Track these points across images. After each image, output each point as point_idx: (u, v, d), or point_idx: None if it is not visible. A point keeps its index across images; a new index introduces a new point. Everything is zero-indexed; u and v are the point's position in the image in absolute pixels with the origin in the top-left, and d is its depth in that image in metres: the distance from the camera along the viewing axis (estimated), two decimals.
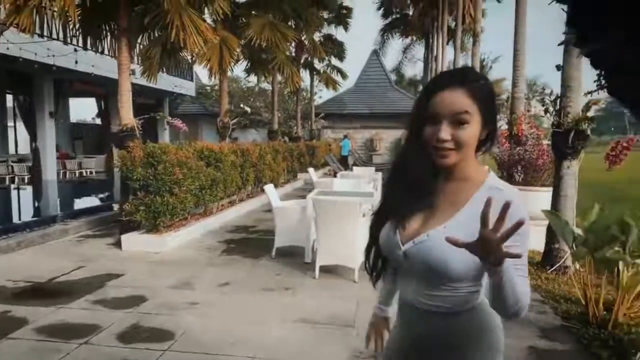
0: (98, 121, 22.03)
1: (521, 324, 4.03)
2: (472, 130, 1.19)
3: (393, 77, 34.23)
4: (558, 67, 5.65)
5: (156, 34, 8.29)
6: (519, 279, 1.10)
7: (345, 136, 21.13)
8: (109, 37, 8.94)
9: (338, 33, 24.51)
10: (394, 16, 23.12)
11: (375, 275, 1.49)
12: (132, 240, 6.60)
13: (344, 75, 20.55)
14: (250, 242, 7.17)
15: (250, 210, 9.95)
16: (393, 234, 1.30)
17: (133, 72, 7.52)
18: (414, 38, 24.80)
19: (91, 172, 17.44)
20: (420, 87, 39.77)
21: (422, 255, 1.22)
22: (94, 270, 5.57)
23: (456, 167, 1.24)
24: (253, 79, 18.31)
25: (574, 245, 3.91)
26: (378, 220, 1.39)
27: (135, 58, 11.25)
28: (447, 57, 18.64)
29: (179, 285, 5.03)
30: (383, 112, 27.17)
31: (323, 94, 29.41)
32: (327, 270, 5.32)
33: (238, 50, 10.22)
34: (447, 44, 18.18)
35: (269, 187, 6.39)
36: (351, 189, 7.11)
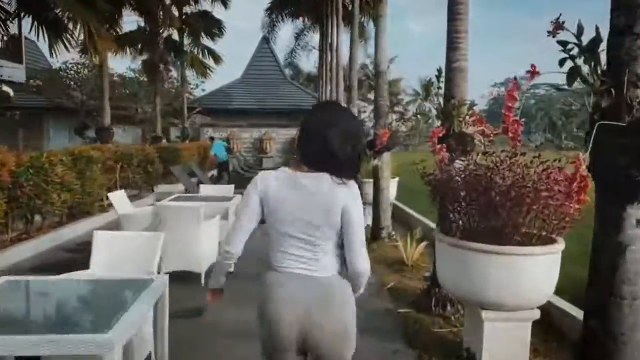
0: None
1: None
2: None
3: (288, 70, 30.71)
4: None
5: None
6: None
7: (213, 138, 16.39)
8: None
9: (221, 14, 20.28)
10: None
11: None
12: None
13: (217, 59, 16.20)
14: None
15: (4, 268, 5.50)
16: None
17: None
18: (306, 20, 21.33)
19: None
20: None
21: None
22: None
23: None
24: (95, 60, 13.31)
25: None
26: None
27: None
28: (344, 44, 15.43)
29: None
30: (274, 108, 23.52)
31: (206, 86, 24.66)
32: None
33: None
34: (348, 27, 14.90)
35: None
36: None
